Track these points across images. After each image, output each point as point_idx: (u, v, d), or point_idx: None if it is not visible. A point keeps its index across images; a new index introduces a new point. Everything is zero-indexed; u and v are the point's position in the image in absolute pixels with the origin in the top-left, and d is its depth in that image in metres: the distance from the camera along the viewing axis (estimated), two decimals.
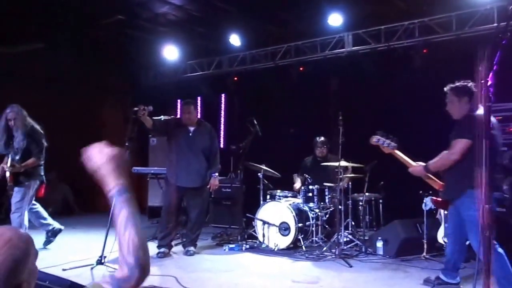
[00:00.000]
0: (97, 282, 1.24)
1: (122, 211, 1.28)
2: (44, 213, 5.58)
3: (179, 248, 5.73)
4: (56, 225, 5.62)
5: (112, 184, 1.33)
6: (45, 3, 6.61)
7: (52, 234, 5.58)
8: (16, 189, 5.17)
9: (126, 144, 4.70)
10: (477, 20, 6.13)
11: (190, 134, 5.41)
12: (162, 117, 7.53)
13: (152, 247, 5.21)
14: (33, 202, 5.36)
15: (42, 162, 5.31)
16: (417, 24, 6.61)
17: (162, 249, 5.27)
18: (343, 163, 5.50)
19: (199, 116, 9.61)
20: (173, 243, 5.84)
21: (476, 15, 6.12)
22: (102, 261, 4.47)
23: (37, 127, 5.29)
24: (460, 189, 3.54)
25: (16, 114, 5.09)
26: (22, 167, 5.09)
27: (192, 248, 5.45)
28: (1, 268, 1.07)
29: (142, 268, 1.24)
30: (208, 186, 5.46)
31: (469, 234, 3.56)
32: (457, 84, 3.78)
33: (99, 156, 1.35)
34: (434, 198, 4.05)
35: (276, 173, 6.27)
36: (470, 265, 4.38)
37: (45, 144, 5.31)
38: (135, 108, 4.85)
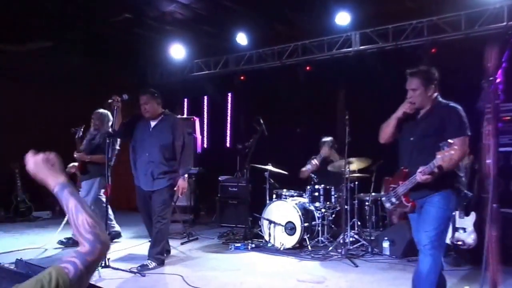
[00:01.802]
0: (58, 265, 1.33)
1: (69, 202, 1.46)
2: (111, 216, 5.79)
3: (186, 247, 5.75)
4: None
5: (52, 184, 1.51)
6: (53, 2, 6.64)
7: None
8: (84, 182, 5.59)
9: (107, 141, 4.66)
10: (487, 19, 6.06)
11: (150, 130, 4.78)
12: None
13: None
14: (102, 200, 5.69)
15: (111, 164, 5.41)
16: (425, 23, 6.55)
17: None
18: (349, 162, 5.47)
19: (205, 115, 9.80)
20: (179, 242, 5.87)
21: (486, 14, 6.05)
22: (107, 263, 4.47)
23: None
24: (436, 188, 2.96)
25: (99, 116, 5.73)
26: (88, 158, 5.57)
27: (148, 263, 4.54)
28: None
29: (101, 241, 1.40)
30: (175, 188, 4.69)
31: (426, 227, 2.99)
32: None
33: (31, 166, 1.55)
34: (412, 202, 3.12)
35: (283, 171, 6.26)
36: (475, 266, 4.34)
37: (117, 148, 5.65)
38: (109, 100, 4.59)
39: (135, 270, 4.38)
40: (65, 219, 5.89)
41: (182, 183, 4.68)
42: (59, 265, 1.32)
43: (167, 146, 4.69)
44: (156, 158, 4.67)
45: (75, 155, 5.61)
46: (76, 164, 5.64)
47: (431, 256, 2.96)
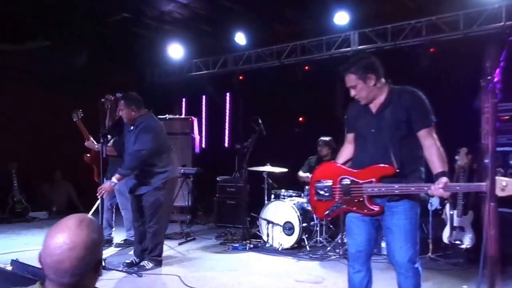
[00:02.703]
0: None
1: None
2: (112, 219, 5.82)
3: (183, 247, 5.74)
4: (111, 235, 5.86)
5: None
6: (52, 1, 6.63)
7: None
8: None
9: (101, 141, 4.61)
10: (485, 19, 6.05)
11: (128, 133, 4.66)
12: (167, 116, 7.56)
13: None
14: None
15: None
16: (424, 22, 6.54)
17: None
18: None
19: (204, 115, 9.77)
20: (177, 242, 5.86)
21: (484, 14, 6.05)
22: (103, 264, 4.46)
23: None
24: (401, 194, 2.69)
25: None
26: (96, 146, 5.33)
27: (145, 263, 4.55)
28: (90, 244, 1.33)
29: None
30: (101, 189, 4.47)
31: (401, 244, 2.79)
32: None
33: None
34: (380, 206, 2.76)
35: (282, 169, 6.24)
36: (472, 266, 4.33)
37: None
38: (102, 99, 4.53)
39: (132, 271, 4.37)
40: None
41: (106, 186, 4.40)
42: None
43: None
44: None
45: (85, 144, 5.46)
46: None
47: (414, 274, 2.79)
